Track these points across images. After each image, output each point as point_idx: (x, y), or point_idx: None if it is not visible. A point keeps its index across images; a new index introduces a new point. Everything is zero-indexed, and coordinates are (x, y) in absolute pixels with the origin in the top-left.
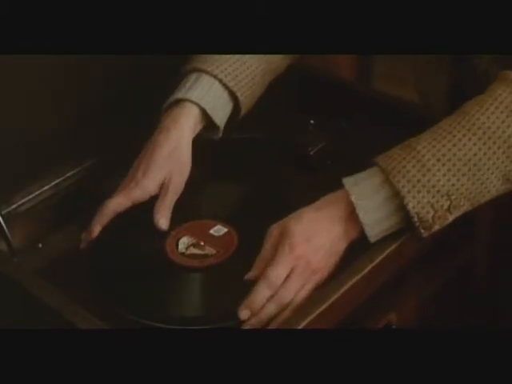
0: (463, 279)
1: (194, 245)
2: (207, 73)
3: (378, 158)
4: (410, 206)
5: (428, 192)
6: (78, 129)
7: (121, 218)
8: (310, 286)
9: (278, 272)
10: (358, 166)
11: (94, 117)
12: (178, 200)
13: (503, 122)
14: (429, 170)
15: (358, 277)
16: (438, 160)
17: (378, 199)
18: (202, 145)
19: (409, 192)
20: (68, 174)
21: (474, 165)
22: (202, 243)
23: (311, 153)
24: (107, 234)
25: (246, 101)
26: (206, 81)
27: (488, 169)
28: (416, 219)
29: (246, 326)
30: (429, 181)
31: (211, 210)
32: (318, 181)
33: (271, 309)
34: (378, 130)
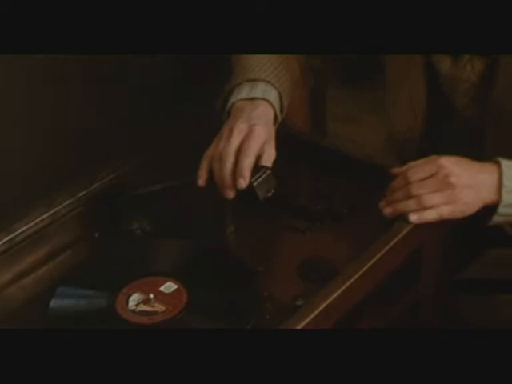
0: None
1: (144, 302)
2: (261, 80)
3: None
4: None
5: None
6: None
7: (75, 273)
8: (440, 198)
9: (417, 169)
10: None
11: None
12: (131, 256)
13: None
14: None
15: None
16: None
17: None
18: (154, 197)
19: None
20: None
21: None
22: (152, 300)
23: (254, 184)
24: (63, 286)
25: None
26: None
27: None
28: None
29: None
30: None
31: (162, 267)
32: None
33: (399, 195)
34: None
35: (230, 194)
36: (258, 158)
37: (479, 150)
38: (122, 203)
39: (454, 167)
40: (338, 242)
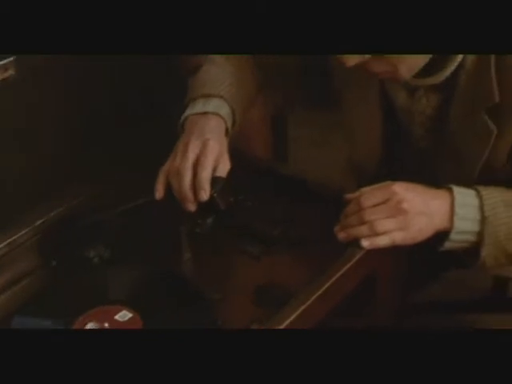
0: None
1: None
2: (215, 95)
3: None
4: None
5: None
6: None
7: (32, 302)
8: (393, 224)
9: (370, 195)
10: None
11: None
12: (87, 284)
13: None
14: None
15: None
16: None
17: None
18: (111, 224)
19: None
20: None
21: None
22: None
23: (215, 194)
24: (19, 316)
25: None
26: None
27: None
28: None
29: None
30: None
31: (118, 295)
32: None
33: (352, 221)
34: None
35: (192, 207)
36: (214, 170)
37: (434, 177)
38: (79, 231)
39: (407, 193)
40: (294, 266)
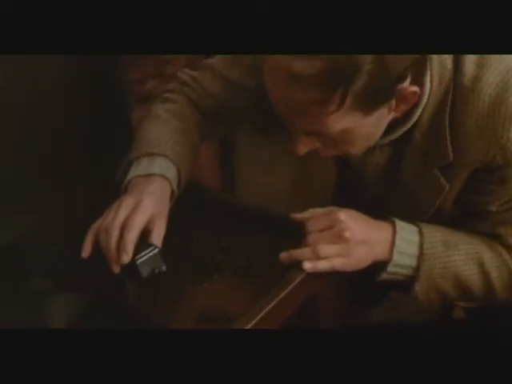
0: None
1: None
2: (159, 154)
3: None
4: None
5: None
6: None
7: None
8: (334, 250)
9: (315, 220)
10: None
11: None
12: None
13: None
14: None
15: None
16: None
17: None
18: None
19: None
20: None
21: None
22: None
23: (137, 261)
24: None
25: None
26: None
27: None
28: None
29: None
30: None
31: (58, 323)
32: None
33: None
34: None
35: (116, 269)
36: (148, 233)
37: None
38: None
39: (351, 222)
40: (236, 292)
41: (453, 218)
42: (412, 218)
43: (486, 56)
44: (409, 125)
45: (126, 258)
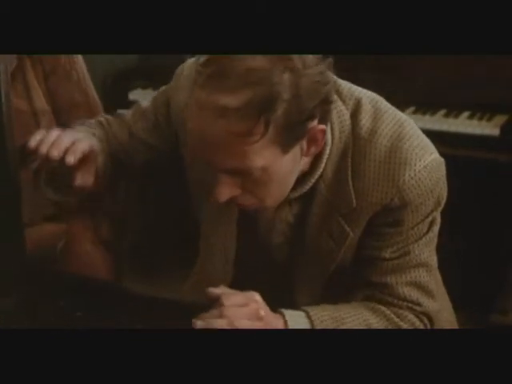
0: None
1: None
2: None
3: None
4: None
5: None
6: None
7: None
8: (249, 325)
9: (232, 296)
10: None
11: None
12: None
13: None
14: None
15: None
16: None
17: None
18: None
19: None
20: None
21: None
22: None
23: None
24: None
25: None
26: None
27: None
28: None
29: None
30: None
31: None
32: None
33: (213, 313)
34: None
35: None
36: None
37: (290, 285)
38: None
39: (263, 303)
40: None
41: (354, 272)
42: (313, 277)
43: (379, 110)
44: (316, 176)
45: (72, 159)
